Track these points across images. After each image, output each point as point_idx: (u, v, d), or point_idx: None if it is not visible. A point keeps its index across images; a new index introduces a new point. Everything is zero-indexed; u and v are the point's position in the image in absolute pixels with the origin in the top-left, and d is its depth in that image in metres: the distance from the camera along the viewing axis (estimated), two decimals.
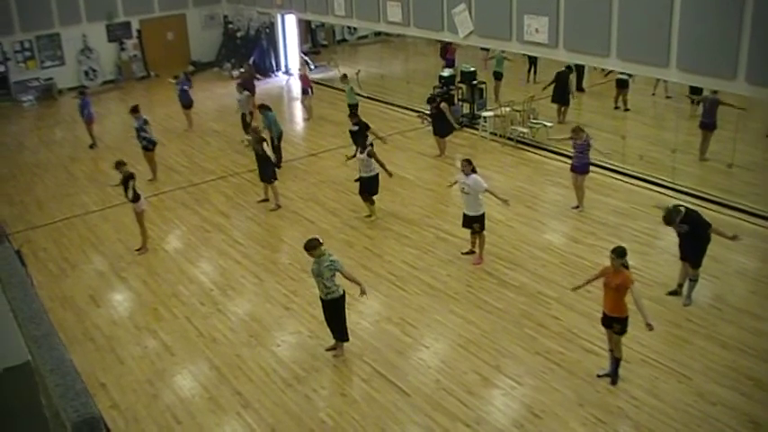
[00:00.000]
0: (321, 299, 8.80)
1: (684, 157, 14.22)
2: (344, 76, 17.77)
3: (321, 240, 8.57)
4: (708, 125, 14.41)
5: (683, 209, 9.56)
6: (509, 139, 16.29)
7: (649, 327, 7.83)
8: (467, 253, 11.28)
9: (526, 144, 16.04)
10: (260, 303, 10.42)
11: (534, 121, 16.59)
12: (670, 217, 9.40)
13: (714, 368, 8.42)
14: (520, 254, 11.29)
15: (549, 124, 16.38)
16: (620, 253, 7.91)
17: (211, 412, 8.19)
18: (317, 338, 9.36)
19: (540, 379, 8.41)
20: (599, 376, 8.35)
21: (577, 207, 12.69)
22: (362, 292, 8.72)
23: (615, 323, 8.03)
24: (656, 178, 13.61)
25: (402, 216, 12.89)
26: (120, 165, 11.95)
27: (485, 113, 17.10)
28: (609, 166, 14.27)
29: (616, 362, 8.25)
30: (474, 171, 10.70)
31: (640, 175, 13.83)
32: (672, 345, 8.89)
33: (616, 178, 13.95)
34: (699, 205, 12.40)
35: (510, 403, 8.06)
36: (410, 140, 16.88)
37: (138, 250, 12.14)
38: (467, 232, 11.22)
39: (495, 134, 16.60)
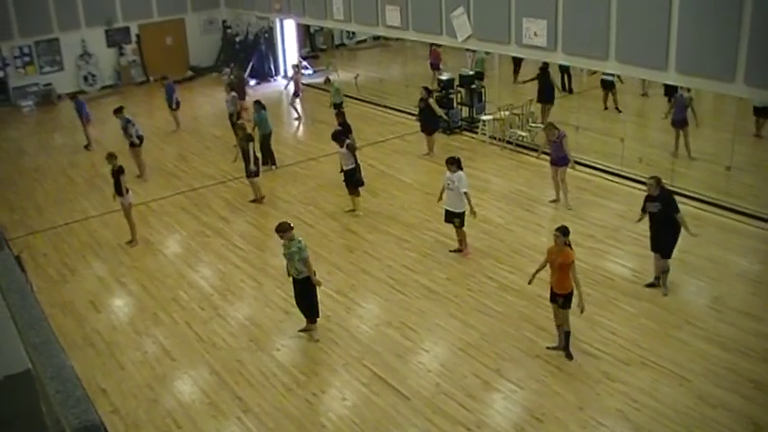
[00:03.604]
0: (293, 278, 9.27)
1: (679, 159, 14.24)
2: (327, 80, 18.64)
3: (292, 225, 9.26)
4: (677, 122, 14.52)
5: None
6: (508, 142, 16.29)
7: (581, 309, 8.51)
8: (454, 251, 11.44)
9: (525, 147, 16.05)
10: (260, 308, 10.42)
11: (533, 125, 16.59)
12: (656, 185, 9.65)
13: (714, 370, 8.41)
14: (519, 257, 11.29)
15: None
16: (564, 231, 8.47)
17: (212, 417, 8.18)
18: (317, 342, 9.36)
19: (540, 382, 8.41)
20: (548, 348, 8.88)
21: (555, 200, 13.04)
22: (317, 284, 9.24)
23: (559, 297, 8.55)
24: None
25: (401, 220, 12.90)
26: (111, 157, 12.44)
27: (484, 117, 17.11)
28: (606, 168, 14.28)
29: (566, 335, 8.68)
30: (460, 168, 11.04)
31: (640, 178, 13.80)
32: (672, 347, 8.88)
33: (614, 181, 13.95)
34: (698, 208, 12.45)
35: (510, 407, 8.06)
36: (409, 144, 16.88)
37: (128, 243, 12.49)
38: None
39: (494, 137, 16.61)
